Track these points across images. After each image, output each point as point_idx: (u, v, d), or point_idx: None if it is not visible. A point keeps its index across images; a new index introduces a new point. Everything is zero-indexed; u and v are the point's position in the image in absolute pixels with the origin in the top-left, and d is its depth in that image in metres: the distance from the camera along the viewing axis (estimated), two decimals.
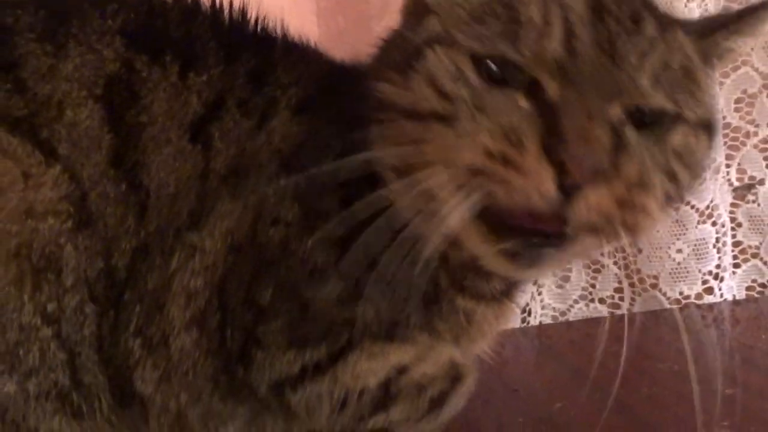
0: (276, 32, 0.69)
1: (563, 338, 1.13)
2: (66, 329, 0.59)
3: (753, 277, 1.27)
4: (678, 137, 0.58)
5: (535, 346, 1.13)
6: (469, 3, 0.57)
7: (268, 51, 0.68)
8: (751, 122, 1.25)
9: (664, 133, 0.57)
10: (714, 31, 0.62)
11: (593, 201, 0.51)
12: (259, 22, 0.68)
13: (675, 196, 0.58)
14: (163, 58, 0.63)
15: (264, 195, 0.61)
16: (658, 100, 0.55)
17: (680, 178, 0.58)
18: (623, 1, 0.57)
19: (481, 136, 0.52)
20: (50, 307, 0.58)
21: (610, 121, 0.52)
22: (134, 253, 0.61)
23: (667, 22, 0.59)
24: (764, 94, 1.23)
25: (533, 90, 0.54)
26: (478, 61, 0.55)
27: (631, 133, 0.54)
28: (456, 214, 0.53)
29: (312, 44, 0.70)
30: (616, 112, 0.54)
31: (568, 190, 0.50)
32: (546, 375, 1.01)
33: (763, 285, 1.27)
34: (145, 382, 0.62)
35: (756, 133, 1.25)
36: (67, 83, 0.61)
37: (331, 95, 0.66)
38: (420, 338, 0.63)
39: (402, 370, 0.64)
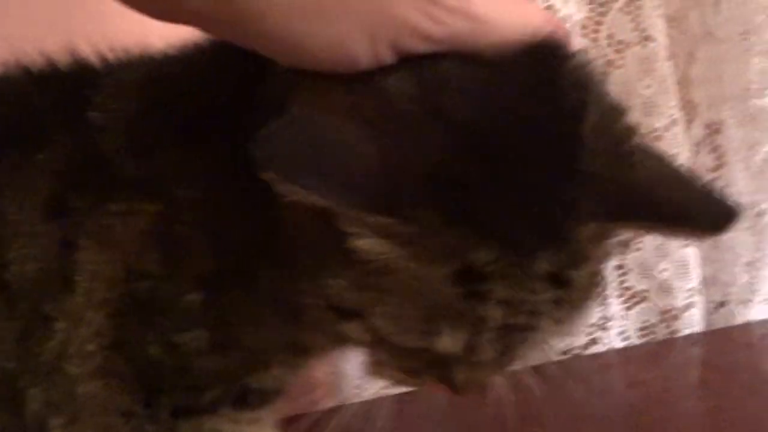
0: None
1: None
2: None
3: (645, 318, 1.35)
4: None
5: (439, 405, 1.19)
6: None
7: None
8: None
9: None
10: (621, 222, 0.56)
11: None
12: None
13: None
14: (6, 151, 0.62)
15: (128, 247, 0.61)
16: None
17: None
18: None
19: (388, 370, 0.62)
20: None
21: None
22: (15, 344, 0.62)
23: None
24: None
25: None
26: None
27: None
28: None
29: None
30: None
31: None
32: None
33: (653, 325, 1.35)
34: (55, 429, 0.63)
35: None
36: None
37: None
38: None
39: None
